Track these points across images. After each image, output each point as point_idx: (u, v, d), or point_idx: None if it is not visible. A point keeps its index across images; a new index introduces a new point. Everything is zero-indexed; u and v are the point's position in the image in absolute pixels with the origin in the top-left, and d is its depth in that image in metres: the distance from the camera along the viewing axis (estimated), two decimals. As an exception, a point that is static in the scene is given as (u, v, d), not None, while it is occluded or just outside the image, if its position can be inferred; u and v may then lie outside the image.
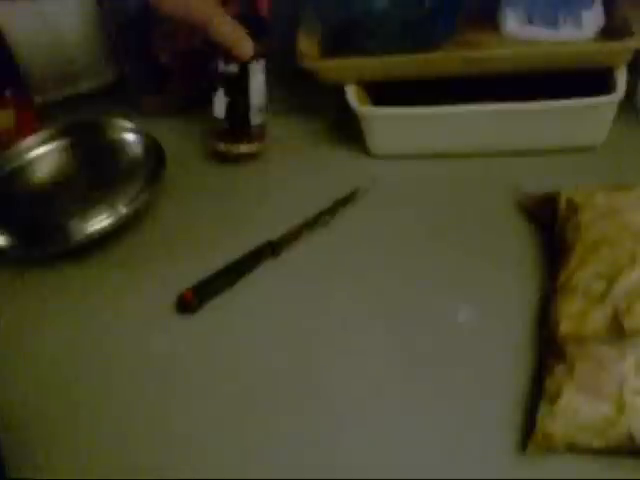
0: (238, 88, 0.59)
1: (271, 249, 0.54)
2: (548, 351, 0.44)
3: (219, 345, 0.49)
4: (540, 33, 0.57)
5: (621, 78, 0.56)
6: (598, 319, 0.43)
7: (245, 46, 0.56)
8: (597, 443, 0.39)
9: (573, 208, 0.50)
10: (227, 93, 0.59)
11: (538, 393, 0.42)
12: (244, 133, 0.61)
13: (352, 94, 0.59)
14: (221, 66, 0.57)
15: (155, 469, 0.43)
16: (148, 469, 0.43)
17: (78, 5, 0.71)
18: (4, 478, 0.42)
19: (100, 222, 0.56)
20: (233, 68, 0.57)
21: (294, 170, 0.62)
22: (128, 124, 0.65)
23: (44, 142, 0.66)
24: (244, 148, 0.62)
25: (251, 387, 0.46)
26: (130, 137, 0.65)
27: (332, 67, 0.60)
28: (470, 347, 0.46)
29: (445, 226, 0.54)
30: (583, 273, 0.45)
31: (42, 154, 0.65)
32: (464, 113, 0.57)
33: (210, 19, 0.55)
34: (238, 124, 0.61)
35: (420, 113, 0.58)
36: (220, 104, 0.59)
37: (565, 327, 0.43)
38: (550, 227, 0.52)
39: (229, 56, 0.57)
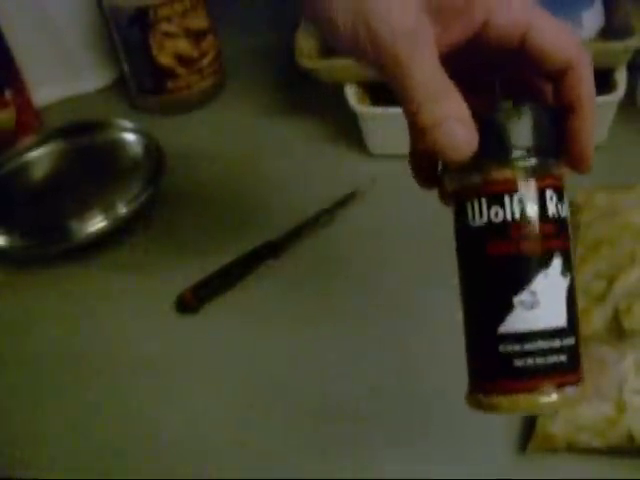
0: None
1: (271, 249, 0.54)
2: (548, 351, 0.44)
3: (219, 345, 0.49)
4: (540, 33, 0.57)
5: (621, 78, 0.56)
6: (598, 319, 0.43)
7: (451, 134, 0.27)
8: (597, 443, 0.39)
9: (573, 208, 0.50)
10: None
11: (538, 393, 0.42)
12: None
13: (352, 94, 0.59)
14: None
15: (155, 469, 0.43)
16: (148, 469, 0.43)
17: (78, 5, 0.72)
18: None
19: (100, 222, 0.56)
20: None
21: (294, 170, 0.62)
22: (128, 124, 0.65)
23: (44, 142, 0.66)
24: None
25: (251, 387, 0.46)
26: (130, 137, 0.65)
27: (332, 67, 0.60)
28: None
29: (445, 226, 0.54)
30: (583, 273, 0.45)
31: (42, 154, 0.65)
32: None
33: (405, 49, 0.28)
34: None
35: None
36: None
37: (565, 327, 0.43)
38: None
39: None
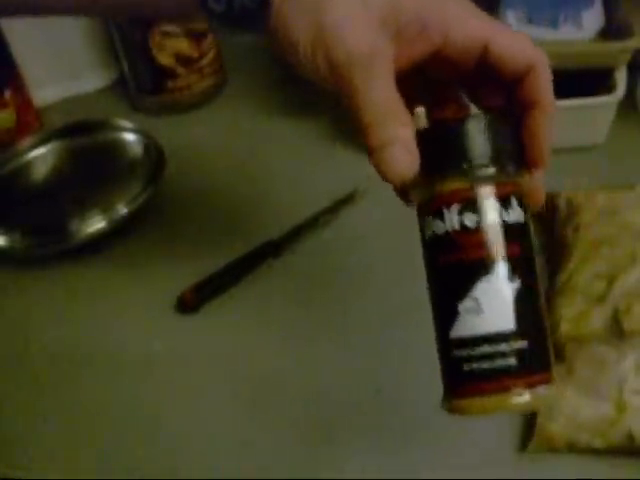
0: None
1: (271, 249, 0.54)
2: (548, 351, 0.44)
3: (219, 345, 0.49)
4: (540, 33, 0.57)
5: (621, 78, 0.56)
6: (598, 319, 0.43)
7: (393, 159, 0.28)
8: (597, 443, 0.39)
9: (573, 208, 0.50)
10: None
11: (538, 393, 0.42)
12: None
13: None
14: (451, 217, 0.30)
15: (155, 468, 0.43)
16: (148, 468, 0.43)
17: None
18: None
19: (100, 222, 0.56)
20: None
21: (294, 170, 0.62)
22: (128, 124, 0.65)
23: (44, 142, 0.66)
24: None
25: (251, 387, 0.46)
26: (130, 137, 0.65)
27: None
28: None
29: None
30: (583, 273, 0.45)
31: (42, 154, 0.65)
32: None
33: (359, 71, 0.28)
34: None
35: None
36: None
37: (565, 327, 0.43)
38: (550, 227, 0.52)
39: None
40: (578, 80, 0.55)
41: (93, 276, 0.55)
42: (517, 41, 0.30)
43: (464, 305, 0.28)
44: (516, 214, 0.29)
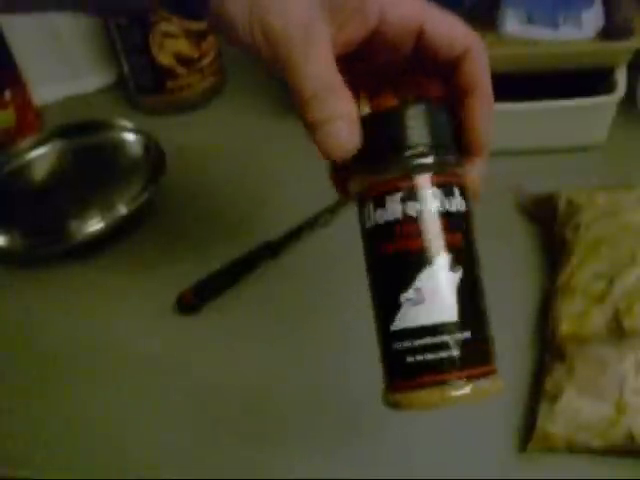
0: None
1: (271, 249, 0.54)
2: (548, 351, 0.44)
3: (219, 345, 0.49)
4: (540, 33, 0.57)
5: (621, 78, 0.56)
6: (598, 319, 0.43)
7: (334, 133, 0.28)
8: (597, 443, 0.39)
9: (573, 208, 0.50)
10: None
11: (538, 393, 0.42)
12: None
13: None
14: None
15: (155, 468, 0.43)
16: (148, 468, 0.43)
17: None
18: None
19: (100, 222, 0.56)
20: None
21: (294, 170, 0.62)
22: (128, 124, 0.65)
23: (44, 142, 0.66)
24: None
25: (251, 387, 0.46)
26: (130, 137, 0.65)
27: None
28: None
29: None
30: (583, 273, 0.45)
31: (42, 154, 0.65)
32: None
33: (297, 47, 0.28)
34: None
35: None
36: None
37: (565, 327, 0.43)
38: (550, 227, 0.52)
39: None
40: (578, 80, 0.55)
41: (93, 276, 0.55)
42: (452, 25, 0.30)
43: (406, 296, 0.28)
44: (458, 203, 0.29)
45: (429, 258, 0.28)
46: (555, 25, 0.57)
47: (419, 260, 0.28)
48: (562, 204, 0.51)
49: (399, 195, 0.28)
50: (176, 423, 0.45)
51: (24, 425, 0.46)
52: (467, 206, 0.29)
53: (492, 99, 0.30)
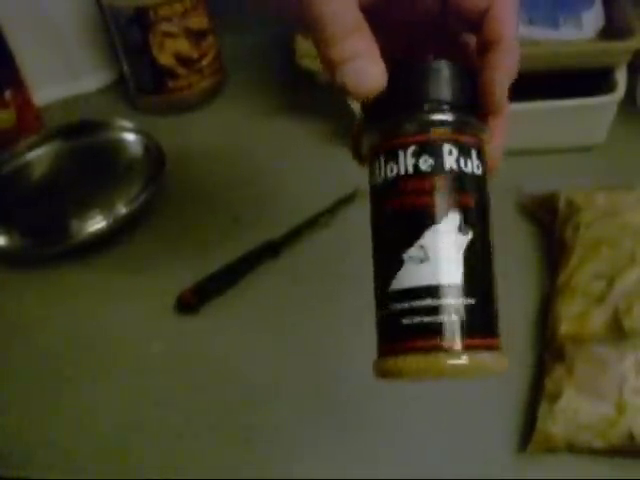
0: None
1: (271, 249, 0.54)
2: (548, 351, 0.44)
3: (219, 345, 0.49)
4: (540, 33, 0.57)
5: (621, 78, 0.56)
6: (598, 319, 0.43)
7: (360, 70, 0.27)
8: (597, 443, 0.39)
9: (573, 208, 0.50)
10: None
11: (538, 393, 0.42)
12: None
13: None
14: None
15: (154, 468, 0.43)
16: (148, 468, 0.43)
17: (78, 5, 0.72)
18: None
19: (100, 222, 0.56)
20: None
21: (294, 170, 0.62)
22: (128, 124, 0.65)
23: (44, 142, 0.66)
24: None
25: (250, 387, 0.46)
26: (130, 137, 0.65)
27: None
28: (470, 347, 0.46)
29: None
30: (583, 273, 0.45)
31: (42, 154, 0.65)
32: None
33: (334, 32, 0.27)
34: None
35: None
36: None
37: (565, 327, 0.43)
38: (550, 227, 0.52)
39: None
40: (578, 80, 0.55)
41: (93, 276, 0.55)
42: None
43: (409, 253, 0.26)
44: (474, 166, 0.28)
45: (437, 216, 0.26)
46: (555, 25, 0.57)
47: (426, 217, 0.26)
48: (562, 204, 0.51)
49: (412, 148, 0.27)
50: (176, 423, 0.45)
51: (24, 425, 0.46)
52: (483, 171, 0.28)
53: (516, 54, 0.29)
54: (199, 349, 0.49)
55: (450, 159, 0.27)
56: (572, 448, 0.39)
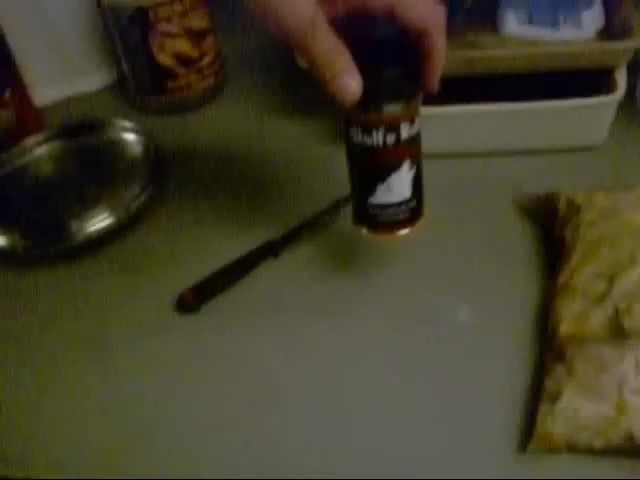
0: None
1: (271, 249, 0.54)
2: (548, 351, 0.44)
3: (219, 345, 0.49)
4: (540, 33, 0.57)
5: (621, 78, 0.56)
6: (598, 319, 0.43)
7: (344, 85, 0.37)
8: (597, 443, 0.39)
9: (573, 208, 0.50)
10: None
11: (538, 393, 0.42)
12: None
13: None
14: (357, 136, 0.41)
15: (154, 468, 0.43)
16: (147, 468, 0.43)
17: (78, 5, 0.72)
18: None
19: (100, 222, 0.56)
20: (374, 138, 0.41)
21: (294, 170, 0.62)
22: (128, 124, 0.65)
23: (44, 142, 0.66)
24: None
25: (250, 387, 0.46)
26: (130, 137, 0.65)
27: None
28: (470, 347, 0.46)
29: (444, 226, 0.54)
30: (583, 273, 0.45)
31: (42, 154, 0.65)
32: (464, 113, 0.57)
33: (306, 33, 0.37)
34: None
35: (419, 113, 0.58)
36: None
37: (565, 327, 0.43)
38: (550, 227, 0.52)
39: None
40: (578, 80, 0.55)
41: (93, 276, 0.55)
42: (419, 9, 0.38)
43: (380, 187, 0.43)
44: (416, 127, 0.41)
45: (398, 166, 0.42)
46: (555, 25, 0.57)
47: (391, 167, 0.42)
48: (562, 204, 0.51)
49: (384, 129, 0.40)
50: (175, 422, 0.45)
51: (24, 425, 0.46)
52: (419, 126, 0.41)
53: (443, 35, 0.39)
54: (199, 349, 0.49)
55: (405, 131, 0.40)
56: (572, 448, 0.39)
